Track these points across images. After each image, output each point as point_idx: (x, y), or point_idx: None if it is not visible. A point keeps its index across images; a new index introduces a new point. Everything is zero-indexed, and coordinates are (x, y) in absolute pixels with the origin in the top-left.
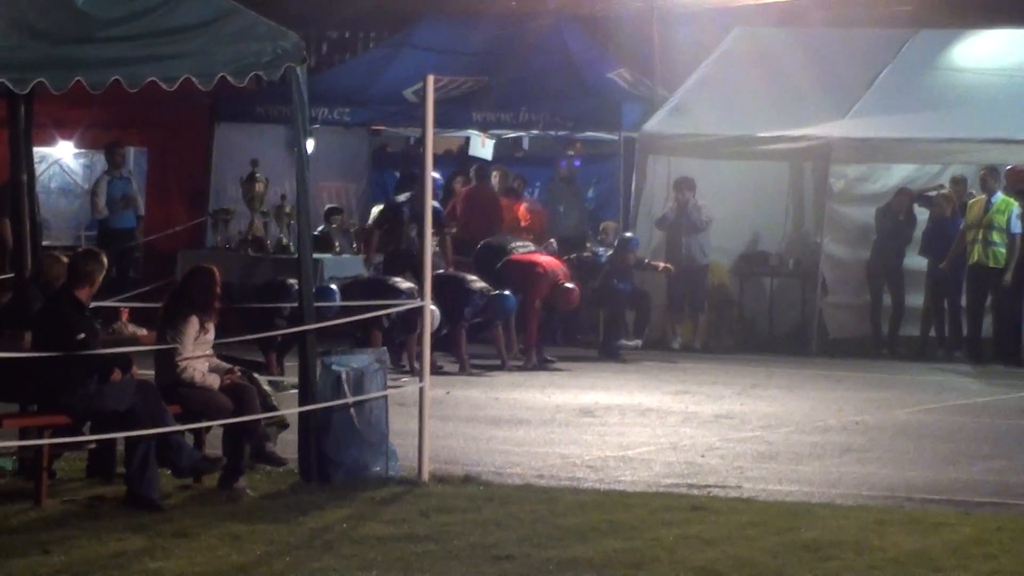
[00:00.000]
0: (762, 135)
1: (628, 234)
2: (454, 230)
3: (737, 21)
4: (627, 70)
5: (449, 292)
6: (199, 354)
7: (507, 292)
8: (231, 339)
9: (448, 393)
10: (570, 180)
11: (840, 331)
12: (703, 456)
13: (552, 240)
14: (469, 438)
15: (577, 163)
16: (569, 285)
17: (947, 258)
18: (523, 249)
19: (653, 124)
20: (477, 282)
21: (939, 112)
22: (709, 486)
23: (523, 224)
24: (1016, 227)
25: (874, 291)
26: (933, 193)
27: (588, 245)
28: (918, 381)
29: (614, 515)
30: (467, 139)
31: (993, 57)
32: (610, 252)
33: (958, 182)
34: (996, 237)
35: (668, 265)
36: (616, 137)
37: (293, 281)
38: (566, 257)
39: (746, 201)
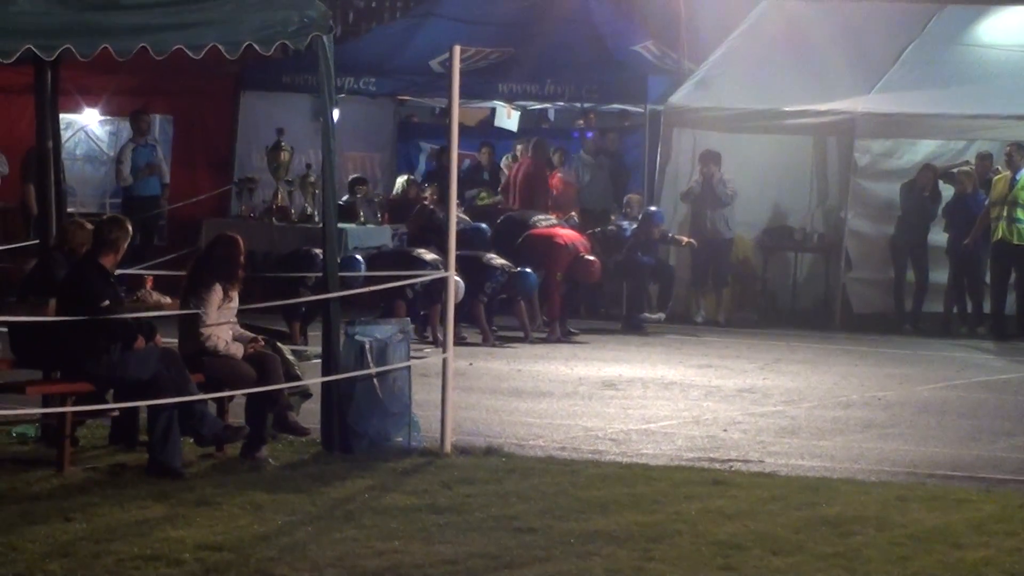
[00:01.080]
0: (788, 109)
1: (653, 208)
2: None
3: None
4: (653, 43)
5: (470, 267)
6: (223, 322)
7: (528, 270)
8: (255, 305)
9: (471, 364)
10: (596, 152)
11: (864, 306)
12: (725, 430)
13: (573, 213)
14: (491, 410)
15: (589, 135)
16: (590, 257)
17: (970, 234)
18: (544, 223)
19: (679, 97)
20: (497, 259)
21: (964, 88)
22: (731, 460)
23: (554, 194)
24: None
25: (898, 267)
26: (956, 170)
27: (612, 218)
28: (941, 357)
29: (636, 488)
30: (492, 110)
31: (1018, 33)
32: (634, 226)
33: (984, 158)
34: (1020, 214)
35: (692, 240)
36: (642, 110)
37: (318, 251)
38: (590, 231)
39: (771, 175)
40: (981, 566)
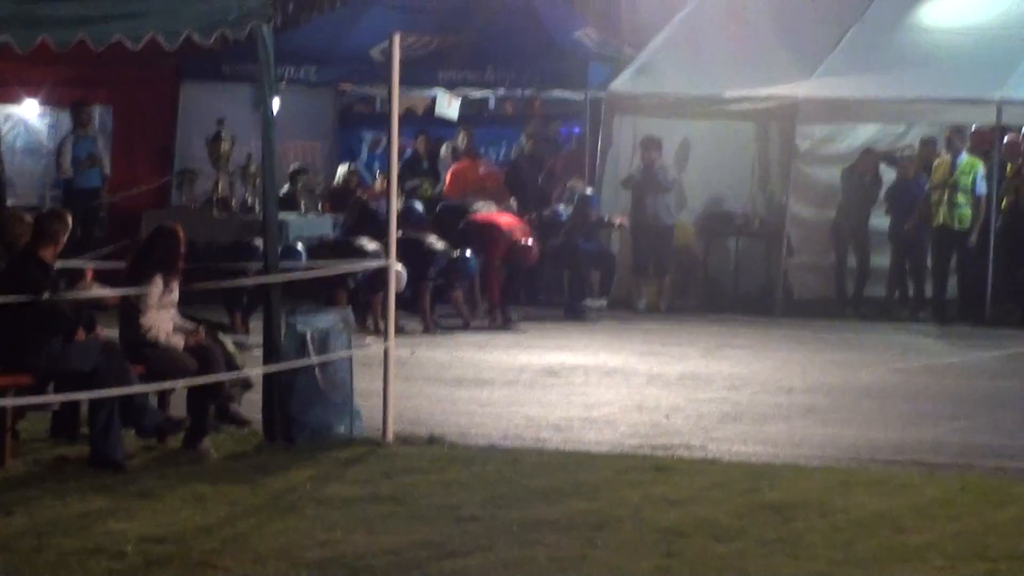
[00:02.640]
0: (728, 95)
1: (588, 191)
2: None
3: None
4: (594, 29)
5: (412, 253)
6: (163, 314)
7: (468, 254)
8: (200, 287)
9: (412, 354)
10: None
11: (805, 292)
12: (668, 417)
13: (511, 199)
14: (433, 399)
15: (576, 131)
16: (528, 242)
17: (910, 219)
18: (484, 209)
19: (619, 83)
20: (439, 243)
21: (905, 72)
22: (673, 447)
23: (487, 185)
24: (981, 188)
25: (839, 252)
26: (899, 155)
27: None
28: (883, 342)
29: (578, 476)
30: (433, 98)
31: (960, 16)
32: (570, 210)
33: (927, 143)
34: (961, 199)
35: (624, 220)
36: (582, 97)
37: (260, 241)
38: (527, 216)
39: (712, 161)
40: (924, 550)
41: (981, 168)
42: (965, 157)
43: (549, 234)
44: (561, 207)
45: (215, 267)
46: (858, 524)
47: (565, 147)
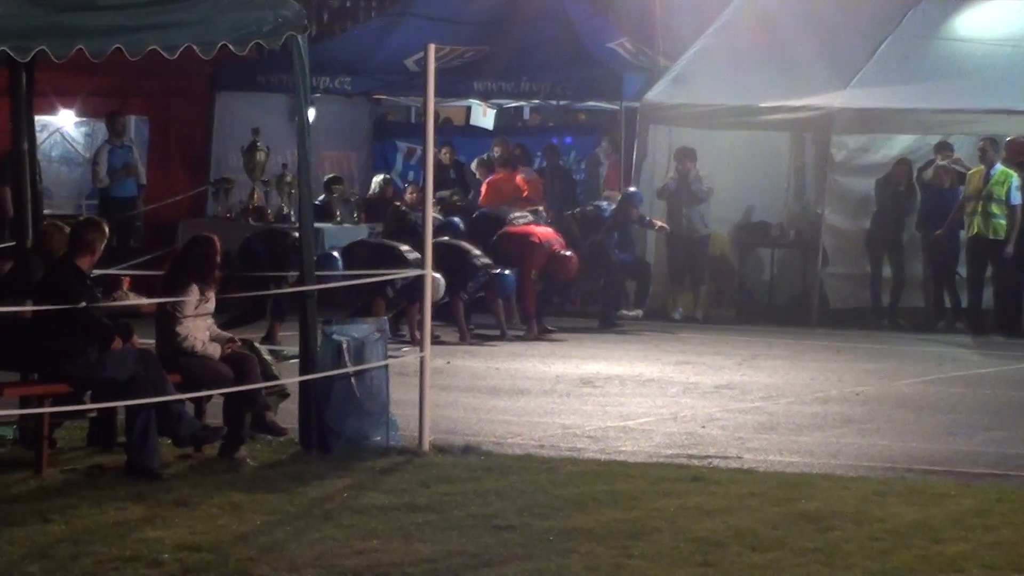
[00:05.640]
0: (764, 105)
1: (632, 188)
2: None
3: None
4: (629, 40)
5: (454, 263)
6: (199, 323)
7: (507, 272)
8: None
9: (448, 363)
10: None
11: (841, 302)
12: (703, 427)
13: (540, 208)
14: (469, 408)
15: (568, 140)
16: (566, 253)
17: (943, 228)
18: (521, 220)
19: (654, 94)
20: (482, 257)
21: (940, 82)
22: (709, 457)
23: (524, 194)
24: (1016, 199)
25: (874, 262)
26: (929, 171)
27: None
28: (919, 352)
29: (614, 485)
30: (468, 108)
31: (995, 27)
32: (613, 206)
33: (943, 147)
34: (996, 209)
35: (665, 225)
36: (617, 107)
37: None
38: (570, 212)
39: (747, 171)
40: (960, 560)
41: (1015, 179)
42: (999, 168)
43: (590, 230)
44: (605, 203)
45: (252, 276)
46: (894, 534)
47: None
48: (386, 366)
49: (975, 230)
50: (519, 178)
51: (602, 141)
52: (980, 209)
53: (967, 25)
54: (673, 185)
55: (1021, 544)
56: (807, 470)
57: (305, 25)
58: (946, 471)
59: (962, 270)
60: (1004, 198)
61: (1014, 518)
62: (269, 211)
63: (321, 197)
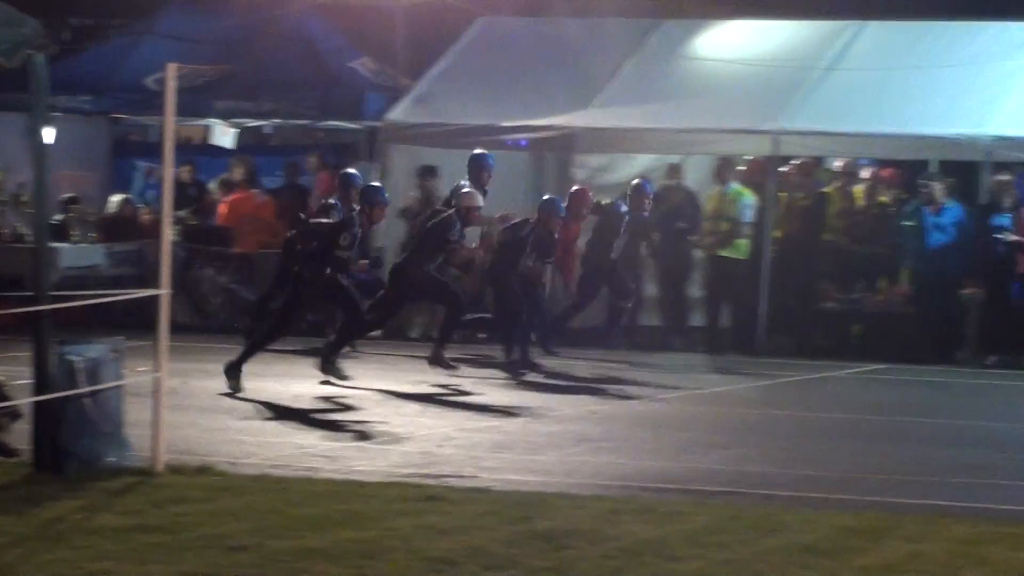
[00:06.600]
0: (505, 124)
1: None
2: None
3: (481, 10)
4: (371, 59)
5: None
6: None
7: None
8: None
9: (185, 383)
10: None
11: (579, 321)
12: (440, 446)
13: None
14: (205, 428)
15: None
16: None
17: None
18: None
19: (396, 113)
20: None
21: (681, 102)
22: (445, 476)
23: (264, 214)
24: (747, 217)
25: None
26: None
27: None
28: (656, 371)
29: (349, 505)
30: (208, 128)
31: (736, 48)
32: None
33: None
34: (730, 228)
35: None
36: (359, 126)
37: None
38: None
39: (489, 191)
40: None
41: (748, 198)
42: (733, 187)
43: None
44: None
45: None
46: (628, 552)
47: None
48: (121, 386)
49: (713, 249)
50: (259, 198)
51: (309, 157)
52: (717, 229)
53: (708, 46)
54: (416, 205)
55: (754, 561)
56: (542, 489)
57: (45, 43)
58: (681, 489)
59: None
60: (738, 217)
61: (748, 536)
62: (5, 230)
63: (58, 217)
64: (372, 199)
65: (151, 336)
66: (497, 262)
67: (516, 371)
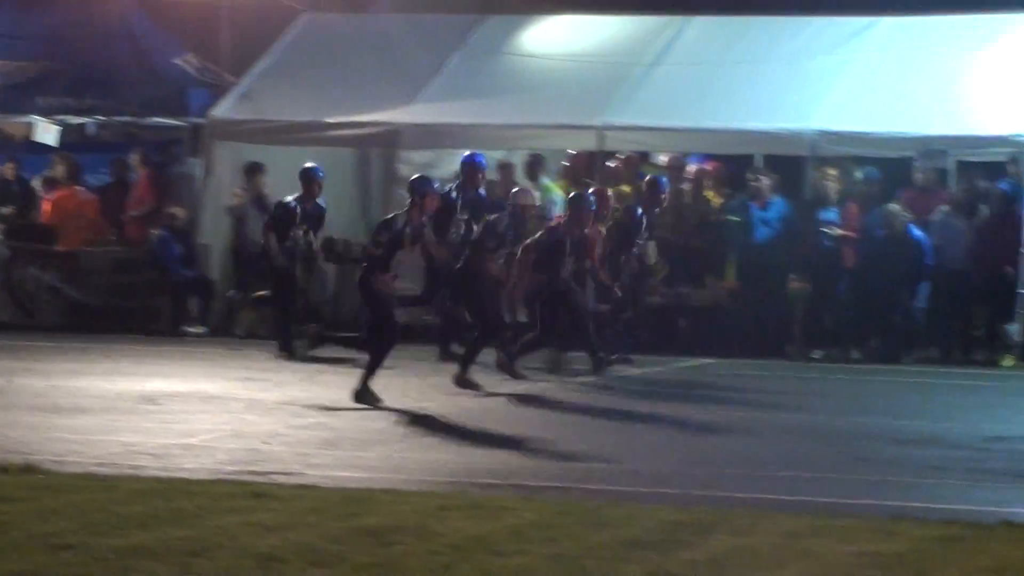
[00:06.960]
0: (329, 121)
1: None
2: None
3: (305, 7)
4: (195, 55)
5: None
6: None
7: None
8: None
9: (10, 381)
10: None
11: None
12: (266, 443)
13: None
14: (29, 427)
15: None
16: None
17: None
18: None
19: (220, 110)
20: None
21: (505, 98)
22: (272, 473)
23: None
24: (552, 212)
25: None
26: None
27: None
28: (485, 368)
29: (175, 503)
30: (31, 124)
31: (562, 43)
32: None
33: (504, 167)
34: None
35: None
36: (184, 123)
37: None
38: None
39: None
40: (520, 572)
41: (556, 193)
42: (544, 182)
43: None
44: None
45: None
46: (455, 548)
47: None
48: None
49: None
50: (82, 195)
51: (132, 154)
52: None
53: (533, 41)
54: (246, 201)
55: (582, 556)
56: (370, 485)
57: None
58: (509, 484)
59: None
60: (544, 212)
61: (575, 530)
62: None
63: None
64: (423, 190)
65: None
66: (536, 271)
67: (606, 370)
